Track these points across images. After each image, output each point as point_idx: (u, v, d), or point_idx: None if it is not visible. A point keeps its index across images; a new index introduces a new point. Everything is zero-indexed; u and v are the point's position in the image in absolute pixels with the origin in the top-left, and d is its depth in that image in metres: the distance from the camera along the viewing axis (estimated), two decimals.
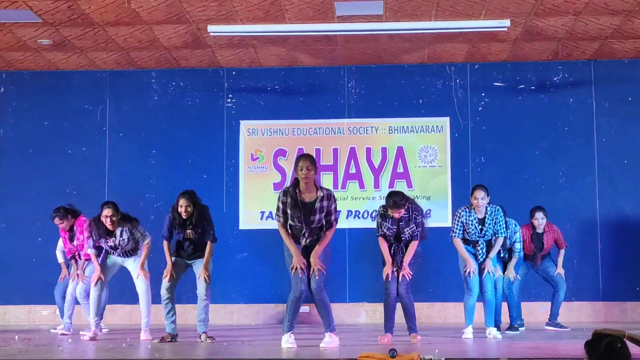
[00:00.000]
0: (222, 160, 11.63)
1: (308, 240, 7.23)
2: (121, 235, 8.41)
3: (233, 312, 11.40)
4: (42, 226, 11.37)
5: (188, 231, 8.11)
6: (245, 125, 11.68)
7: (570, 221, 11.26)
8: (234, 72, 11.81)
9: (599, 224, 11.32)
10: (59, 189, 11.53)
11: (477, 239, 8.37)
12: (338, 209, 7.42)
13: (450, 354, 6.34)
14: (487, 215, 8.36)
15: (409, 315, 8.07)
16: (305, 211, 7.15)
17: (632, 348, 4.47)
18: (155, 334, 8.36)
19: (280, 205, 7.23)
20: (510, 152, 11.51)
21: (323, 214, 7.18)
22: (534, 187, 11.38)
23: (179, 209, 8.08)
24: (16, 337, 8.59)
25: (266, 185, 11.49)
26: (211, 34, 9.95)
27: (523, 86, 11.64)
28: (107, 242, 8.43)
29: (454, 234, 8.41)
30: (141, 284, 8.50)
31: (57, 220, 9.42)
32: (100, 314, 8.77)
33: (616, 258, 11.26)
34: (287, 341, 7.21)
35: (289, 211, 7.17)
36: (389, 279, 7.98)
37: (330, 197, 7.21)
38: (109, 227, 8.36)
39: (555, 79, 11.63)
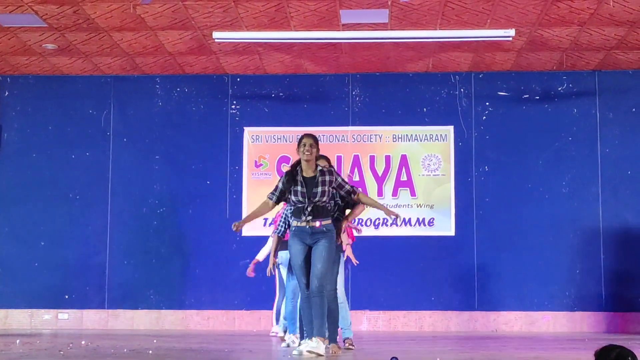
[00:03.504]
0: (226, 166, 11.64)
1: (310, 219, 6.84)
2: None
3: (235, 319, 11.39)
4: (45, 230, 11.41)
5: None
6: (249, 131, 11.70)
7: (574, 231, 11.26)
8: (238, 79, 11.82)
9: (601, 234, 11.30)
10: (62, 194, 11.55)
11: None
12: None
13: None
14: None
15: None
16: (308, 185, 6.87)
17: None
18: (164, 339, 8.32)
19: (280, 185, 6.96)
20: (514, 162, 11.50)
21: (326, 187, 6.86)
22: (537, 196, 11.38)
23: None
24: (17, 341, 8.58)
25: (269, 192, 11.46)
26: (216, 40, 9.97)
27: (527, 96, 11.64)
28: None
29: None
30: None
31: None
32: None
33: (619, 268, 11.25)
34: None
35: (281, 186, 6.91)
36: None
37: (331, 171, 6.99)
38: None
39: (559, 89, 11.63)
